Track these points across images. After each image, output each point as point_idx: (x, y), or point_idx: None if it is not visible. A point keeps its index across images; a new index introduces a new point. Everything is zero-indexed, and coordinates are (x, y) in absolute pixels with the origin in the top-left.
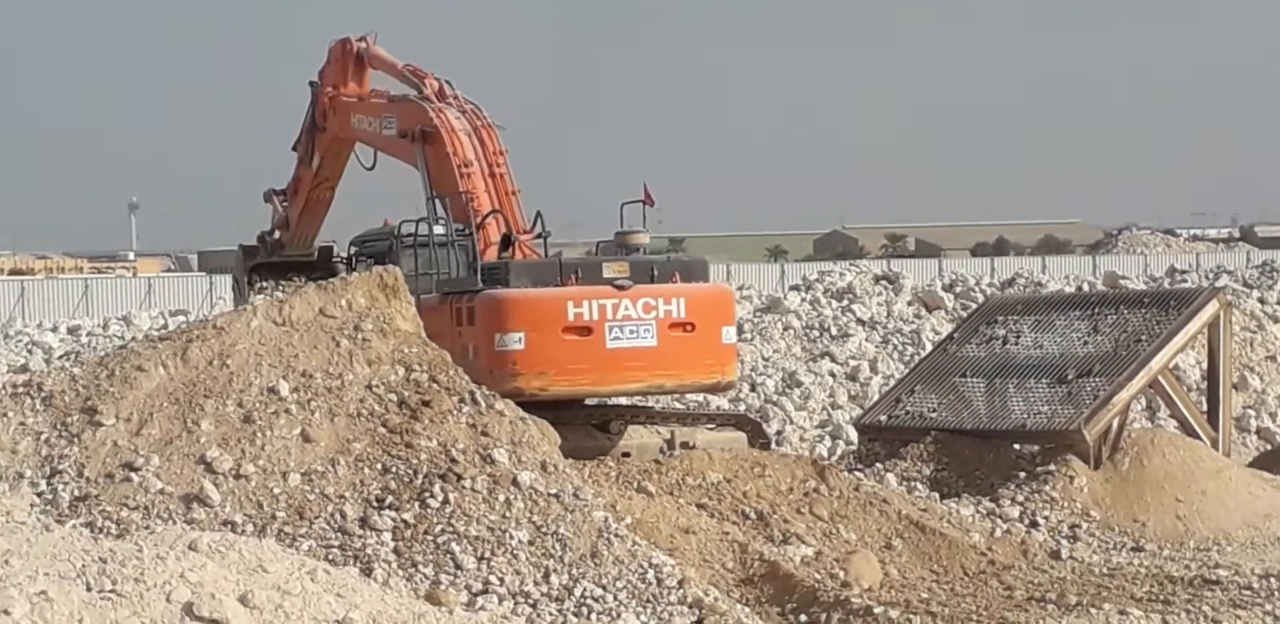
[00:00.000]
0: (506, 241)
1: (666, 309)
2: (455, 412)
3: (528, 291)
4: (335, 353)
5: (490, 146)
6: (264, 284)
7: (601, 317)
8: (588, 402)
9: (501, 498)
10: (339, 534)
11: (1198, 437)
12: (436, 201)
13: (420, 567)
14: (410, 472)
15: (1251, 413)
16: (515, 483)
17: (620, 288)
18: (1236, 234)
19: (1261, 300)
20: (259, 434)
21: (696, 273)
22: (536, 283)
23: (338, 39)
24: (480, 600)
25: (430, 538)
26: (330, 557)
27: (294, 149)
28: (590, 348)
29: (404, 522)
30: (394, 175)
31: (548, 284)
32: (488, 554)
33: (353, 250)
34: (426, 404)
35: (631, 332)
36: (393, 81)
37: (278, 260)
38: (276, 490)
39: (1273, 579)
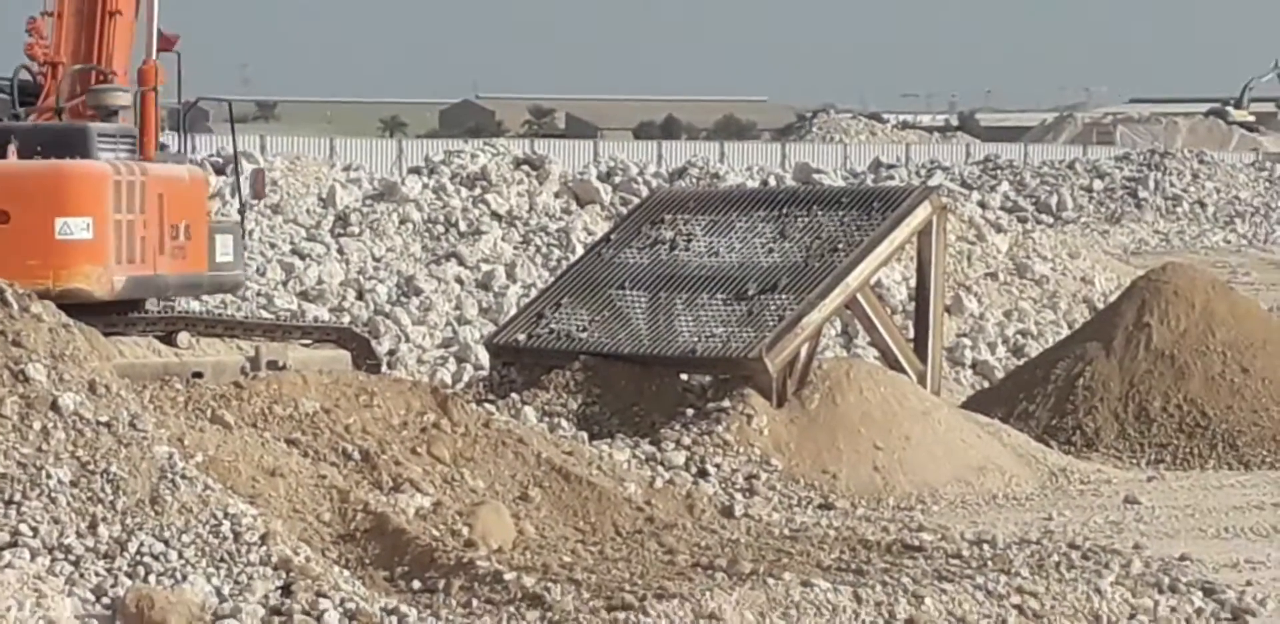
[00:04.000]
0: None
1: None
2: None
3: None
4: None
5: None
6: None
7: None
8: (150, 307)
9: (37, 426)
10: None
11: (902, 370)
12: None
13: None
14: None
15: (966, 342)
16: (55, 408)
17: None
18: (955, 122)
19: (982, 204)
20: None
21: (74, 146)
22: None
23: None
24: (8, 555)
25: None
26: None
27: None
28: None
29: None
30: None
31: None
32: (18, 497)
33: None
34: None
35: None
36: None
37: None
38: None
39: (985, 546)
